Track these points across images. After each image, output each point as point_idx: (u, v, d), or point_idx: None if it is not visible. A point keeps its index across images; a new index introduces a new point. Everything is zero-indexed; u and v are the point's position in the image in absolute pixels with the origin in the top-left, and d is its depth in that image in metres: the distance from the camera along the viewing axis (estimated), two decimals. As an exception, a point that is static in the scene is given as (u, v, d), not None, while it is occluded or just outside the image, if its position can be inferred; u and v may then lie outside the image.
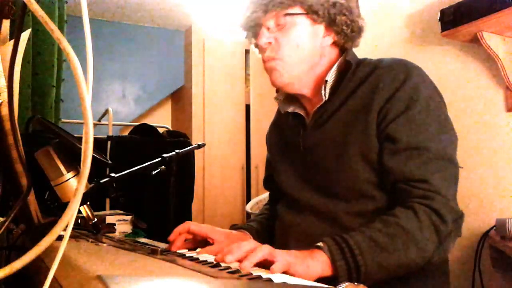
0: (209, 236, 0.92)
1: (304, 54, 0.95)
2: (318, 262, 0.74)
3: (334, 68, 0.97)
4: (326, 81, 0.96)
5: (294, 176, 1.02)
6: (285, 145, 1.08)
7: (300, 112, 1.03)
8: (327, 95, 0.96)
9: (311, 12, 0.94)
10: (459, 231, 0.86)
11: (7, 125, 0.60)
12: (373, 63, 0.96)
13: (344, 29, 0.96)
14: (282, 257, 0.68)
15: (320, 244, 0.77)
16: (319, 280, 0.72)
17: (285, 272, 0.67)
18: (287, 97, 1.08)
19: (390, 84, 0.89)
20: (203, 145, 1.55)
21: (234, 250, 0.67)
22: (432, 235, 0.80)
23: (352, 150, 0.89)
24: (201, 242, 0.94)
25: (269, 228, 1.11)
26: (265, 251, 0.68)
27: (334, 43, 0.99)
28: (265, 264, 0.68)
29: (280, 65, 0.96)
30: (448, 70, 1.96)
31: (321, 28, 0.96)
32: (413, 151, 0.84)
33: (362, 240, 0.77)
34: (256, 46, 1.05)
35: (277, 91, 1.10)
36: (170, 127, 3.80)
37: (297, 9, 0.94)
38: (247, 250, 0.67)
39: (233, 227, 1.09)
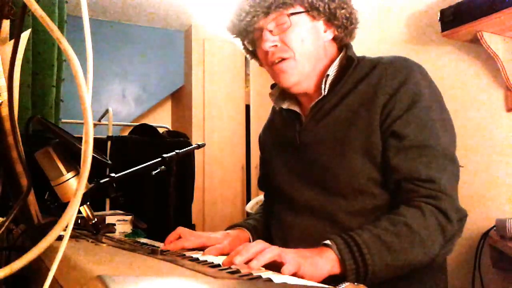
0: (207, 245, 0.89)
1: (310, 49, 0.95)
2: (327, 260, 0.74)
3: (336, 62, 0.96)
4: (328, 75, 0.95)
5: (290, 173, 1.00)
6: (280, 143, 1.07)
7: (295, 108, 1.02)
8: (326, 90, 0.95)
9: (312, 9, 0.94)
10: (462, 230, 0.86)
11: (7, 125, 0.60)
12: (373, 60, 0.96)
13: (344, 22, 0.96)
14: (291, 258, 0.68)
15: (328, 242, 0.77)
16: (327, 278, 0.72)
17: (294, 274, 0.67)
18: (282, 93, 1.07)
19: (392, 80, 0.88)
20: (203, 145, 1.55)
21: (243, 251, 0.67)
22: (438, 235, 0.80)
23: (353, 147, 0.88)
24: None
25: (266, 226, 1.11)
26: (274, 252, 0.68)
27: (334, 38, 0.99)
28: (273, 265, 0.68)
29: (290, 65, 0.94)
30: (448, 70, 1.96)
31: (320, 23, 0.97)
32: (420, 149, 0.84)
33: (370, 239, 0.77)
34: (253, 51, 1.04)
35: (272, 87, 1.09)
36: (170, 127, 3.80)
37: (298, 8, 0.94)
38: (256, 251, 0.67)
39: (230, 227, 1.08)
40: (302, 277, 0.67)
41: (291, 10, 0.93)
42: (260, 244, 0.70)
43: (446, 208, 0.80)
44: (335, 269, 0.74)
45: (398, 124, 0.85)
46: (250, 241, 1.02)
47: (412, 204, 0.82)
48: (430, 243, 0.79)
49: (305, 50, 0.94)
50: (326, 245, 0.77)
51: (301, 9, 0.94)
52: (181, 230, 0.94)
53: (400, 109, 0.86)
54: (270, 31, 0.94)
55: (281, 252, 0.68)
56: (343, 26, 0.97)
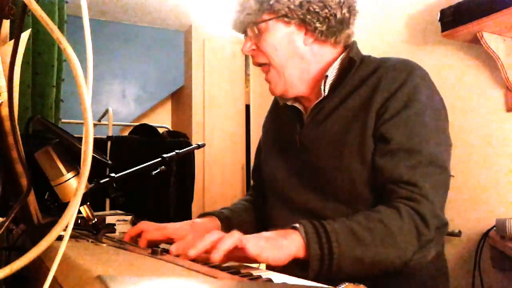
0: (172, 238, 0.87)
1: (285, 56, 0.95)
2: (293, 242, 0.71)
3: (336, 64, 0.95)
4: (327, 76, 0.94)
5: (290, 174, 0.99)
6: (280, 140, 1.06)
7: (298, 106, 1.02)
8: (326, 91, 0.94)
9: (279, 16, 0.92)
10: (441, 239, 0.84)
11: (7, 125, 0.60)
12: (376, 61, 0.94)
13: (318, 26, 0.92)
14: (252, 243, 0.65)
15: (297, 225, 0.74)
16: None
17: (256, 260, 0.65)
18: None
19: (391, 84, 0.87)
20: (203, 145, 1.55)
21: (197, 242, 0.64)
22: (413, 238, 0.78)
23: (350, 150, 0.87)
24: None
25: (243, 220, 1.07)
26: (234, 237, 0.65)
27: (324, 41, 0.96)
28: (235, 253, 0.65)
29: (274, 76, 0.97)
30: (448, 70, 1.96)
31: (295, 28, 0.94)
32: (405, 152, 0.82)
33: (340, 229, 0.74)
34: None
35: None
36: (170, 127, 3.80)
37: (265, 16, 0.93)
38: (212, 241, 0.65)
39: (200, 215, 1.04)
40: (265, 262, 0.66)
41: (258, 19, 0.94)
42: (215, 233, 0.67)
43: (424, 212, 0.78)
44: (300, 252, 0.71)
45: (386, 127, 0.84)
46: None
47: (391, 204, 0.80)
48: (403, 244, 0.76)
49: (280, 58, 0.95)
50: (294, 228, 0.74)
51: (269, 17, 0.93)
52: (143, 224, 0.89)
53: (391, 112, 0.85)
54: (249, 37, 0.98)
55: (241, 236, 0.66)
56: (317, 30, 0.92)
